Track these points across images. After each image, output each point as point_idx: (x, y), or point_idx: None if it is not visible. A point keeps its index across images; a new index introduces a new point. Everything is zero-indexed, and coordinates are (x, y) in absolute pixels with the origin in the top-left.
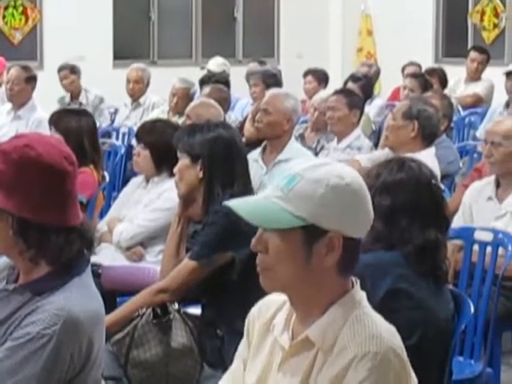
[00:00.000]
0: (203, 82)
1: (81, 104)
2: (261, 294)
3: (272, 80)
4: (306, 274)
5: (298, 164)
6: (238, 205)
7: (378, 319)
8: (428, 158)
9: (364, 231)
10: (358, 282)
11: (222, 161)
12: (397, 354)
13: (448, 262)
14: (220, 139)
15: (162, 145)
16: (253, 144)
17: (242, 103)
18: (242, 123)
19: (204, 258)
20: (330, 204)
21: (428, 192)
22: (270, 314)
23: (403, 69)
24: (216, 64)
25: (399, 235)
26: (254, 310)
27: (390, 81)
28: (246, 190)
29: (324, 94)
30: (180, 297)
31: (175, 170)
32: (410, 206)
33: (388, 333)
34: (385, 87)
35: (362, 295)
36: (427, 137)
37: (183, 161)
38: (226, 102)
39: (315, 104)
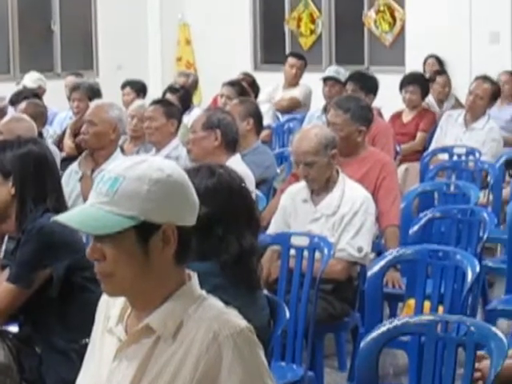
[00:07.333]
0: (14, 99)
1: None
2: (78, 310)
3: (97, 95)
4: (147, 272)
5: (116, 166)
6: (66, 217)
7: (222, 305)
8: (237, 165)
9: (193, 218)
10: (195, 274)
11: (34, 176)
12: (252, 331)
13: (261, 267)
14: (31, 155)
15: None
16: (73, 157)
17: (61, 117)
18: (61, 137)
19: (23, 279)
20: (157, 197)
21: (241, 197)
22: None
23: None
24: (32, 79)
25: (216, 244)
26: (104, 299)
27: (211, 89)
28: (59, 204)
29: (140, 101)
30: (7, 319)
31: None
32: (225, 214)
33: (236, 315)
34: (206, 96)
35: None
36: (230, 144)
37: None
38: (42, 117)
39: (132, 112)
